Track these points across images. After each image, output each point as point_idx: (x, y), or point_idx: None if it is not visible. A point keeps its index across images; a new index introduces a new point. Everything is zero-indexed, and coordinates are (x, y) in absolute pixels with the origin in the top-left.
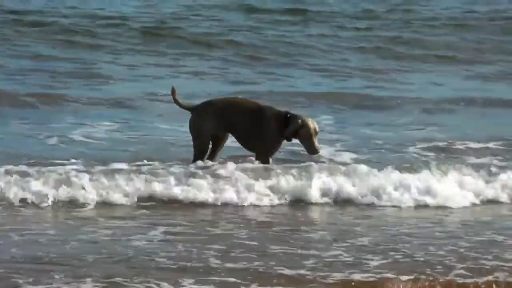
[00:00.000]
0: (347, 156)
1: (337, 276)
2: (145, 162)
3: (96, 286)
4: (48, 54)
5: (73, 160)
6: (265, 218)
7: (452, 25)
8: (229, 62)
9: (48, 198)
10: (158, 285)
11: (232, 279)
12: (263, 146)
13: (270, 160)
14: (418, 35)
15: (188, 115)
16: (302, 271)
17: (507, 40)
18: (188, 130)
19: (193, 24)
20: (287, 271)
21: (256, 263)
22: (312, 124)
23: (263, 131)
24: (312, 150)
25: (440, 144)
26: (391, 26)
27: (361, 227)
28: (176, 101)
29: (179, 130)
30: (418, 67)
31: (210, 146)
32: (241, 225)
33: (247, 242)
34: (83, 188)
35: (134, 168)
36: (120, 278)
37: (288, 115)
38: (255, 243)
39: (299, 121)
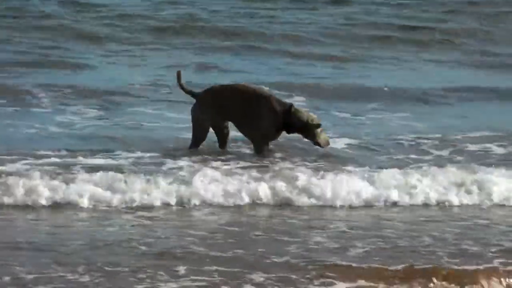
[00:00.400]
0: (341, 142)
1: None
2: (128, 155)
3: (93, 275)
4: (21, 41)
5: (54, 152)
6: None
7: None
8: (202, 49)
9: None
10: (158, 274)
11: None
12: (261, 136)
13: (266, 149)
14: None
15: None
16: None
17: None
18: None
19: (171, 12)
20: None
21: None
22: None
23: (263, 121)
24: (323, 144)
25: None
26: (376, 11)
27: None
28: (181, 86)
29: (161, 117)
30: (396, 54)
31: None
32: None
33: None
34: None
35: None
36: (112, 266)
37: (292, 109)
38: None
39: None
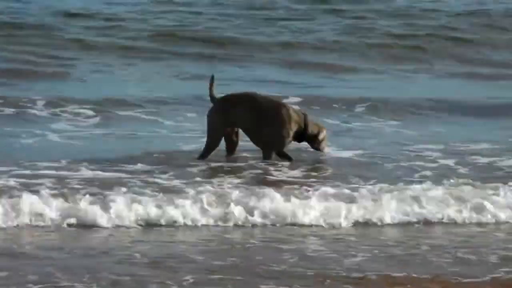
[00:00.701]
0: (349, 153)
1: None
2: (128, 168)
3: (100, 284)
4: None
5: (53, 164)
6: None
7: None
8: (196, 57)
9: None
10: (166, 284)
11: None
12: (277, 144)
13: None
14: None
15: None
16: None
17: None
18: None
19: (165, 21)
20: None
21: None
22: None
23: (283, 129)
24: (324, 150)
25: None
26: (372, 21)
27: None
28: (210, 89)
29: (158, 126)
30: (390, 63)
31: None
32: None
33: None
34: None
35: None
36: (117, 276)
37: (308, 119)
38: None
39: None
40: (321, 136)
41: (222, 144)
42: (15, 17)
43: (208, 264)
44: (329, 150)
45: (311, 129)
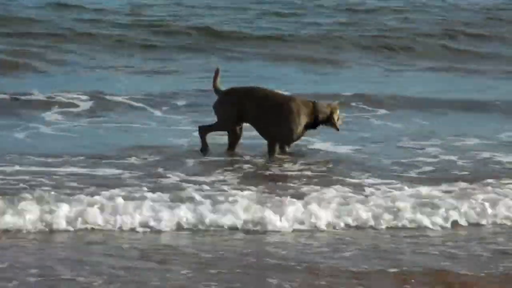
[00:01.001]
0: (344, 149)
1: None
2: (124, 162)
3: (102, 277)
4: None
5: (47, 159)
6: None
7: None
8: (185, 51)
9: None
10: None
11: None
12: (289, 138)
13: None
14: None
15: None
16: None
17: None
18: None
19: (155, 15)
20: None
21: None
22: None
23: (294, 123)
24: (339, 126)
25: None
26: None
27: None
28: (214, 81)
29: (150, 118)
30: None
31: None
32: None
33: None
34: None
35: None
36: (116, 269)
37: (317, 107)
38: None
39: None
40: (335, 116)
41: (221, 139)
42: (7, 9)
43: (200, 257)
44: (328, 144)
45: (323, 114)
